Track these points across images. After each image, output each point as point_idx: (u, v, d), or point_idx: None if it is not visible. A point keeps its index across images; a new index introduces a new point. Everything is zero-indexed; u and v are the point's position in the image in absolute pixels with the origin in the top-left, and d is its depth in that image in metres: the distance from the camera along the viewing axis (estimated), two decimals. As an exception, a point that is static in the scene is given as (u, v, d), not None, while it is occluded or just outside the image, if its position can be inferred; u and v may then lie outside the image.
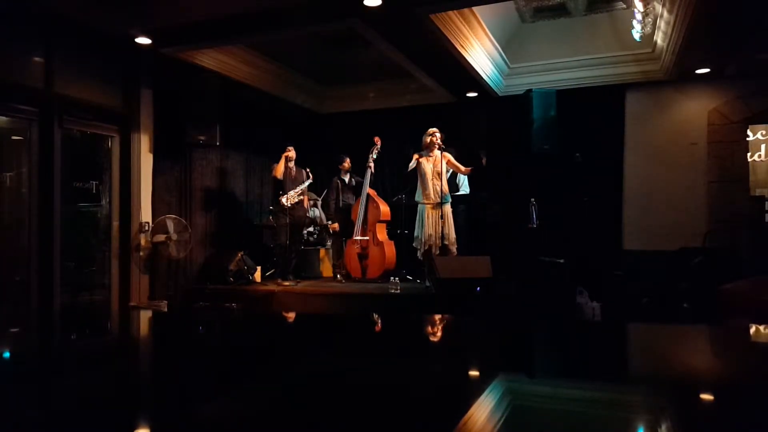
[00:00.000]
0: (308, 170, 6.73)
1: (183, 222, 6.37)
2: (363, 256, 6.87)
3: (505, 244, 6.72)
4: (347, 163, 7.02)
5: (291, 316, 3.49)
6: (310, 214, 7.93)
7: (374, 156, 6.83)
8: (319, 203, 8.02)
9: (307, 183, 6.71)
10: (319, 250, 7.68)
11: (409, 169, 6.35)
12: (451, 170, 6.61)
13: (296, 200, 6.61)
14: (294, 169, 6.66)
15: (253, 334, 2.20)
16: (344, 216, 7.02)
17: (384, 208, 6.93)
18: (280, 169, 6.57)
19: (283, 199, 6.52)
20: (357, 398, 1.25)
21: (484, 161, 6.16)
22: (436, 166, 6.22)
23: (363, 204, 6.87)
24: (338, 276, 6.98)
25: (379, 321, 2.51)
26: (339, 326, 2.38)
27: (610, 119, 7.38)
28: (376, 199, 6.94)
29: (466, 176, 7.15)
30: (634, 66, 7.06)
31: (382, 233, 6.93)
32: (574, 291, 5.58)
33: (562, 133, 6.98)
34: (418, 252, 6.36)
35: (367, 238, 6.83)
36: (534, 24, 7.41)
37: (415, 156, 6.31)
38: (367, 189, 6.87)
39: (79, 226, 5.99)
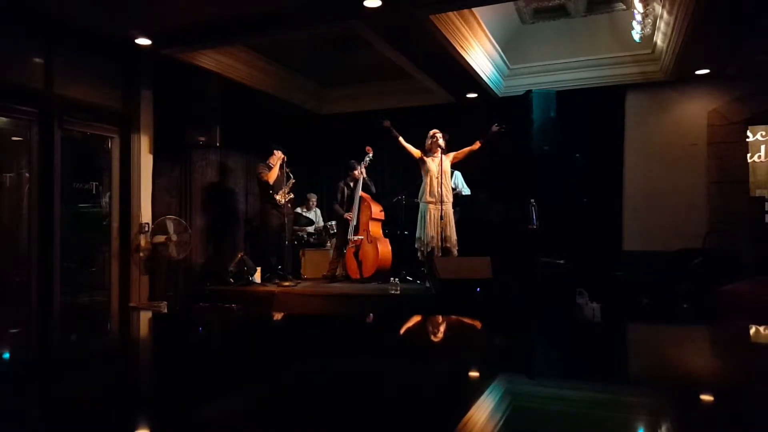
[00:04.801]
0: (288, 170, 6.77)
1: (183, 223, 6.37)
2: (358, 255, 6.91)
3: (505, 245, 6.71)
4: (358, 172, 7.03)
5: (291, 316, 3.49)
6: (309, 215, 7.95)
7: (366, 164, 6.95)
8: (315, 205, 8.07)
9: (292, 182, 6.78)
10: (319, 250, 7.68)
11: (405, 146, 6.37)
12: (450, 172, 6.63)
13: (288, 198, 6.67)
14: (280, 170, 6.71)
15: (253, 334, 2.20)
16: (342, 221, 7.06)
17: (376, 207, 6.98)
18: (273, 176, 6.57)
19: (278, 196, 6.55)
20: (358, 399, 1.25)
21: (494, 129, 6.16)
22: (439, 167, 6.24)
23: (356, 206, 6.93)
24: (334, 276, 6.98)
25: (379, 322, 2.51)
26: (338, 327, 2.38)
27: (610, 120, 7.38)
28: (368, 200, 7.00)
29: (462, 180, 7.16)
30: (634, 67, 7.06)
31: (376, 231, 6.96)
32: (574, 291, 5.58)
33: (562, 133, 6.99)
34: (419, 253, 6.37)
35: (361, 237, 6.87)
36: (534, 25, 7.41)
37: (420, 153, 6.34)
38: (359, 193, 6.93)
39: (79, 226, 5.99)
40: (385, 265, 6.81)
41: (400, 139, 6.40)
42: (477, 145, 6.34)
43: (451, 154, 6.41)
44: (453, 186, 6.77)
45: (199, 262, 6.96)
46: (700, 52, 6.00)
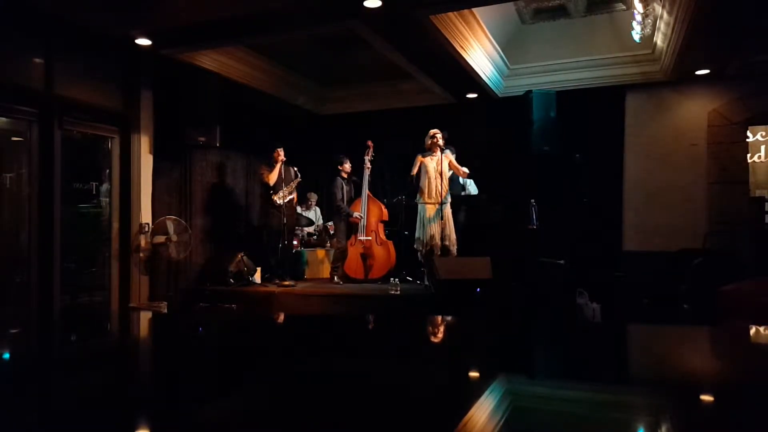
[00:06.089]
0: (296, 169, 6.74)
1: (183, 223, 6.37)
2: (366, 256, 6.86)
3: (506, 245, 6.71)
4: (348, 166, 7.00)
5: (290, 317, 3.49)
6: (309, 214, 7.93)
7: (370, 158, 6.90)
8: (314, 204, 8.04)
9: (297, 181, 6.73)
10: (319, 250, 7.67)
11: (413, 172, 6.35)
12: (452, 171, 6.62)
13: (288, 198, 6.63)
14: (283, 168, 6.68)
15: (253, 334, 2.20)
16: (345, 219, 7.02)
17: (382, 207, 6.97)
18: (273, 177, 6.56)
19: (276, 198, 6.54)
20: (357, 399, 1.25)
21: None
22: (438, 166, 6.23)
23: (364, 205, 6.88)
24: (335, 278, 6.87)
25: (378, 322, 2.51)
26: (338, 327, 2.38)
27: (610, 120, 7.38)
28: (376, 200, 6.97)
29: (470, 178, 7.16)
30: (633, 67, 7.06)
31: (382, 233, 6.95)
32: (574, 292, 5.58)
33: (562, 134, 6.99)
34: (419, 253, 6.37)
35: (369, 238, 6.84)
36: (534, 25, 7.41)
37: (419, 157, 6.34)
38: (366, 190, 6.89)
39: (79, 227, 5.99)
40: (392, 268, 6.82)
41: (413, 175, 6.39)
42: (466, 173, 6.41)
43: (450, 156, 6.40)
44: (462, 184, 6.76)
45: (199, 263, 6.96)
46: (700, 52, 5.99)
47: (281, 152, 6.64)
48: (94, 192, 6.15)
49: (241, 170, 7.81)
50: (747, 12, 5.09)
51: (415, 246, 6.40)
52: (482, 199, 7.21)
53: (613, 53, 7.10)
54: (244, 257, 6.78)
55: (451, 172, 6.63)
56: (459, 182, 7.00)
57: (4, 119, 5.32)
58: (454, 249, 6.22)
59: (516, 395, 1.30)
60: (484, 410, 1.13)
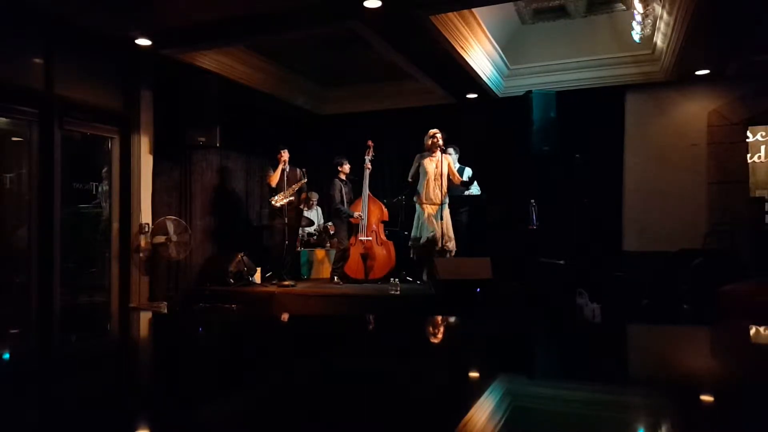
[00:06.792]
0: (303, 170, 6.72)
1: (183, 223, 6.37)
2: (367, 256, 6.85)
3: (505, 246, 6.71)
4: (347, 167, 6.98)
5: (290, 317, 3.49)
6: (310, 214, 7.92)
7: (370, 158, 6.89)
8: (315, 204, 8.02)
9: (302, 182, 6.71)
10: (319, 251, 7.67)
11: (411, 174, 6.34)
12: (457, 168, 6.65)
13: (286, 200, 6.60)
14: (288, 169, 6.66)
15: (253, 334, 2.20)
16: (345, 220, 7.00)
17: (384, 209, 6.97)
18: (275, 179, 6.56)
19: (273, 201, 6.53)
20: (358, 399, 1.25)
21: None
22: (438, 167, 6.22)
23: (365, 205, 6.88)
24: (335, 278, 6.81)
25: (378, 322, 2.51)
26: (337, 327, 2.38)
27: (610, 120, 7.38)
28: (376, 200, 6.97)
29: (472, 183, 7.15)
30: (633, 67, 7.06)
31: (382, 233, 6.95)
32: (574, 292, 5.57)
33: (561, 134, 6.99)
34: (412, 252, 6.37)
35: (370, 238, 6.84)
36: (534, 25, 7.41)
37: (418, 157, 6.34)
38: (367, 190, 6.88)
39: (79, 227, 5.99)
40: (393, 268, 6.82)
41: (410, 180, 6.39)
42: (460, 180, 6.44)
43: (449, 158, 6.41)
44: (466, 179, 6.75)
45: (199, 263, 6.96)
46: (700, 53, 6.00)
47: (284, 154, 6.63)
48: (94, 192, 6.14)
49: (241, 170, 7.81)
50: (747, 12, 5.09)
51: (410, 245, 6.40)
52: (482, 199, 7.20)
53: (613, 53, 7.10)
54: (244, 257, 6.78)
55: (464, 172, 6.67)
56: (463, 179, 6.94)
57: (4, 119, 5.32)
58: (452, 250, 6.22)
59: (516, 395, 1.30)
60: (484, 410, 1.13)
